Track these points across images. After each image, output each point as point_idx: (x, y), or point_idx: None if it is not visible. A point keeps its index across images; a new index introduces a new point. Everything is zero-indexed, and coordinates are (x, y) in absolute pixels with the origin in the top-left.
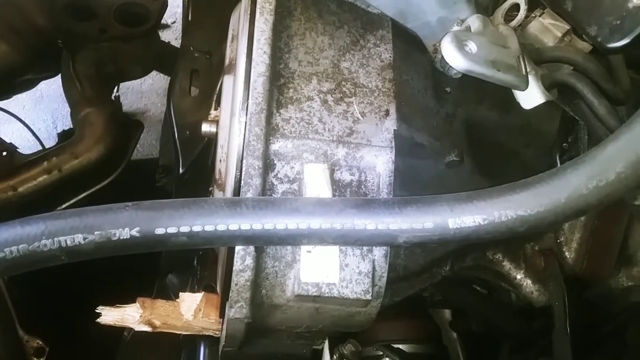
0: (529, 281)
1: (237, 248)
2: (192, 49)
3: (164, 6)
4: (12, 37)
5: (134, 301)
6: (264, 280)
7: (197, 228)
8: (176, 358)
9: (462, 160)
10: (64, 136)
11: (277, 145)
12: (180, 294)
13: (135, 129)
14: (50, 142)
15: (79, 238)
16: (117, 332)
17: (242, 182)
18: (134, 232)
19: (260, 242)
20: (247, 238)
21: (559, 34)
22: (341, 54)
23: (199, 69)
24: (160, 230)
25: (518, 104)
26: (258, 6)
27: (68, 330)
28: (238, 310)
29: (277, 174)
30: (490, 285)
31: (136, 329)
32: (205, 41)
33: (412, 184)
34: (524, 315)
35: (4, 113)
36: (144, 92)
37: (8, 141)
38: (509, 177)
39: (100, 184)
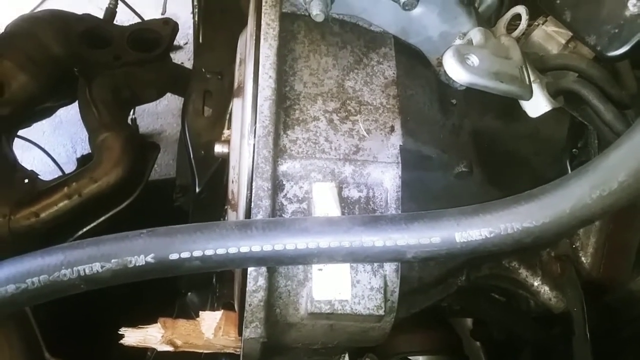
0: (546, 288)
1: (250, 269)
2: (203, 70)
3: (174, 30)
4: (31, 68)
5: (155, 321)
6: (277, 299)
7: (209, 252)
8: None
9: (471, 170)
10: (83, 161)
11: (285, 166)
12: (201, 312)
13: (151, 150)
14: (70, 166)
15: (96, 267)
16: (141, 351)
17: (252, 204)
18: (149, 258)
19: (271, 263)
20: (258, 259)
21: (563, 41)
22: (345, 73)
23: (211, 89)
24: (174, 256)
25: (525, 112)
26: (262, 32)
27: (92, 351)
28: (253, 330)
29: (286, 194)
30: (509, 293)
31: (158, 349)
32: (216, 62)
33: (423, 197)
34: (543, 322)
35: (24, 141)
36: (159, 113)
37: (29, 168)
38: (519, 185)
39: (119, 206)
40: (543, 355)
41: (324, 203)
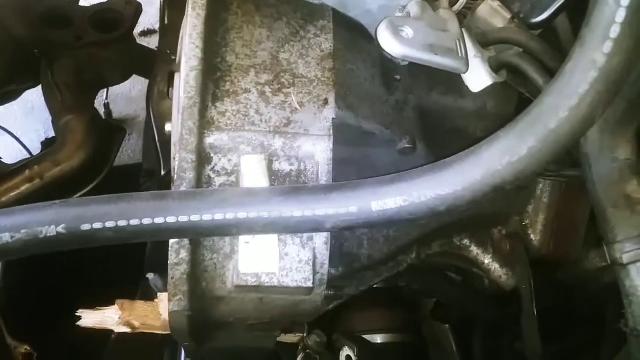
0: (496, 265)
1: (171, 242)
2: (168, 52)
3: (138, 11)
4: None
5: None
6: (202, 272)
7: (122, 223)
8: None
9: (415, 146)
10: (47, 144)
11: (212, 139)
12: (159, 294)
13: (117, 134)
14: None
15: (6, 237)
16: (105, 334)
17: (176, 176)
18: (60, 229)
19: (189, 235)
20: (174, 231)
21: (508, 16)
22: (280, 45)
23: (176, 71)
24: (86, 227)
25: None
26: (190, 1)
27: (56, 334)
28: (177, 303)
29: (214, 167)
30: (464, 272)
31: (116, 331)
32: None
33: (370, 173)
34: (499, 301)
35: None
36: (133, 98)
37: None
38: None
39: (83, 190)
40: (496, 335)
41: (253, 176)
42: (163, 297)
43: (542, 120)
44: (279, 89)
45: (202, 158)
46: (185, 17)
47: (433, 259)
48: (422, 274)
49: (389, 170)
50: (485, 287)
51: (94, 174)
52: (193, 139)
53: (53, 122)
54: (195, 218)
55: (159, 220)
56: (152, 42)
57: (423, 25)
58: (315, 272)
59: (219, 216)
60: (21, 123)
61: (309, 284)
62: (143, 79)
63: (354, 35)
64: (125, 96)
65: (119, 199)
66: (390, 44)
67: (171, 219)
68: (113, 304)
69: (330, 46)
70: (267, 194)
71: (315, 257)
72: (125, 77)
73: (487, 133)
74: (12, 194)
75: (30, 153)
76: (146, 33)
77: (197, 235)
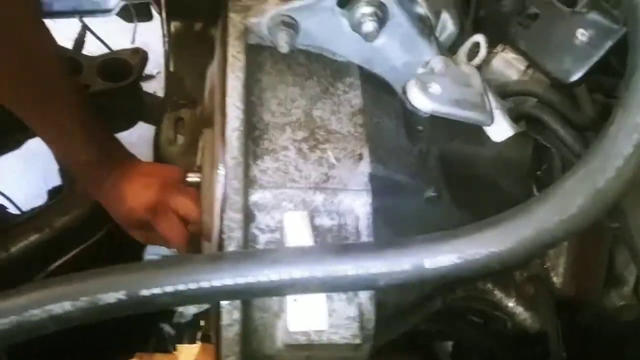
0: (520, 308)
1: (223, 303)
2: (175, 98)
3: (144, 59)
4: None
5: (132, 356)
6: (253, 332)
7: (181, 287)
8: None
9: (440, 195)
10: (53, 193)
11: (256, 197)
12: (177, 345)
13: None
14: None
15: (67, 306)
16: None
17: (224, 235)
18: (120, 295)
19: (245, 296)
20: (231, 293)
21: (522, 67)
22: (312, 102)
23: (183, 117)
24: (145, 292)
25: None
26: (229, 63)
27: None
28: None
29: (258, 225)
30: (485, 315)
31: None
32: (187, 90)
33: (397, 222)
34: (524, 344)
35: None
36: (133, 144)
37: None
38: (488, 208)
39: (93, 238)
40: None
41: (296, 232)
42: (182, 348)
43: (590, 180)
44: (315, 145)
45: (247, 216)
46: (217, 71)
47: (456, 303)
48: (443, 317)
49: (415, 218)
50: (507, 329)
51: (104, 219)
52: (239, 198)
53: (59, 170)
54: (251, 279)
55: (216, 283)
56: (150, 87)
57: (449, 81)
58: (362, 328)
59: (274, 277)
60: (22, 171)
61: (357, 341)
62: (143, 124)
63: (378, 90)
64: (125, 142)
65: (176, 262)
66: (420, 100)
67: (228, 282)
68: (132, 357)
69: (360, 102)
70: (320, 253)
71: (362, 313)
72: (130, 124)
73: (504, 178)
74: (20, 244)
75: (18, 208)
76: (144, 78)
77: (252, 296)
